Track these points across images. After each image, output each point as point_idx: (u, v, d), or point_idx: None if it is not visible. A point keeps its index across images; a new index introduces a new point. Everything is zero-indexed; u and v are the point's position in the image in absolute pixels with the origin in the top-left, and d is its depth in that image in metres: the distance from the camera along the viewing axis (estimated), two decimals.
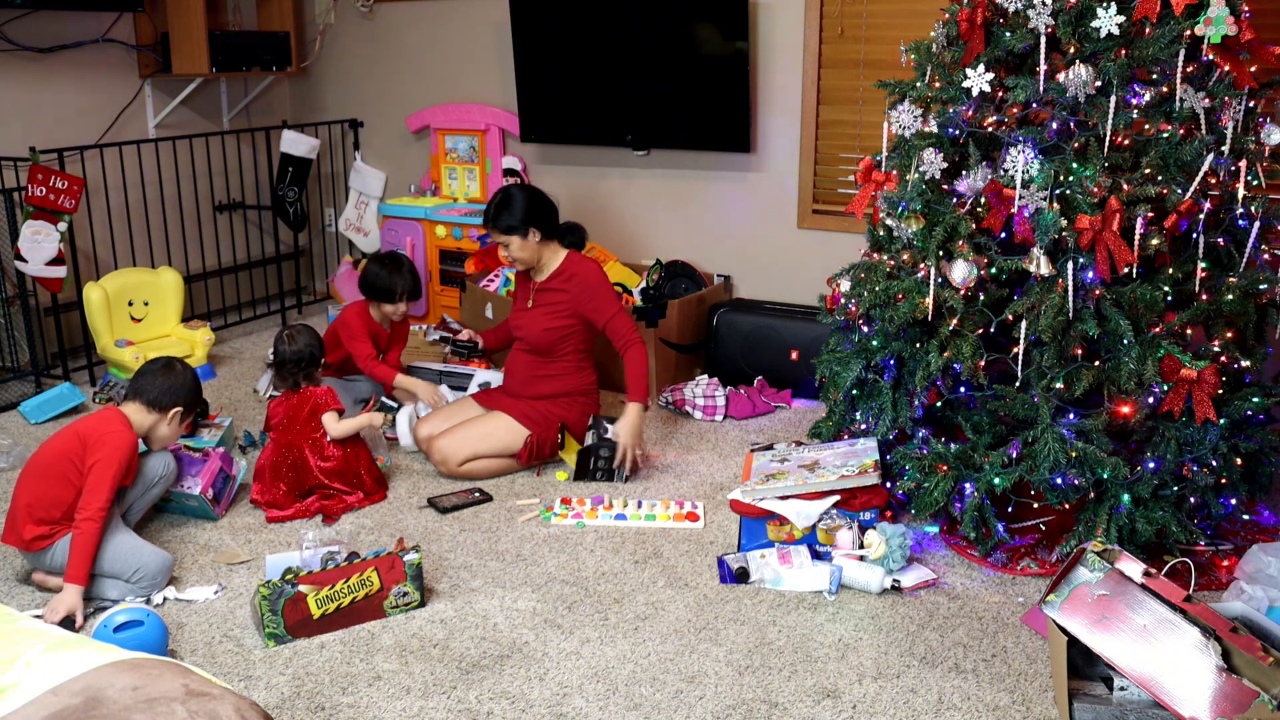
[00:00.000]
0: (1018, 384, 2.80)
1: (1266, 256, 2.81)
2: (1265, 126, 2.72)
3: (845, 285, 3.17)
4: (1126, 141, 2.73)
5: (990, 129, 2.86)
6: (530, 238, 3.45)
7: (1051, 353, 2.72)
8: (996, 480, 2.75)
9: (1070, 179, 2.66)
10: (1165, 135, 2.68)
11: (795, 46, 4.32)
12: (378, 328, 3.88)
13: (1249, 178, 2.71)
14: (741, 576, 2.79)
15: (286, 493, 3.20)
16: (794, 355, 3.82)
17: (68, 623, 2.54)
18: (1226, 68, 2.67)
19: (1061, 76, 2.70)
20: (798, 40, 4.31)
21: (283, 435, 3.25)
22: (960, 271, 2.72)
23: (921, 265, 2.82)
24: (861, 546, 2.81)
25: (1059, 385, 2.72)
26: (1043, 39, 2.74)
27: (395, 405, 3.83)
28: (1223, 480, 2.77)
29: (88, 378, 4.41)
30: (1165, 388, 2.65)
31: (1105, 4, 2.68)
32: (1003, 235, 2.78)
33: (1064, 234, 2.62)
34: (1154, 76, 2.74)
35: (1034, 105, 2.81)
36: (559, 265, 3.52)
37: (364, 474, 3.28)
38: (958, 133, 2.91)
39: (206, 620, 2.63)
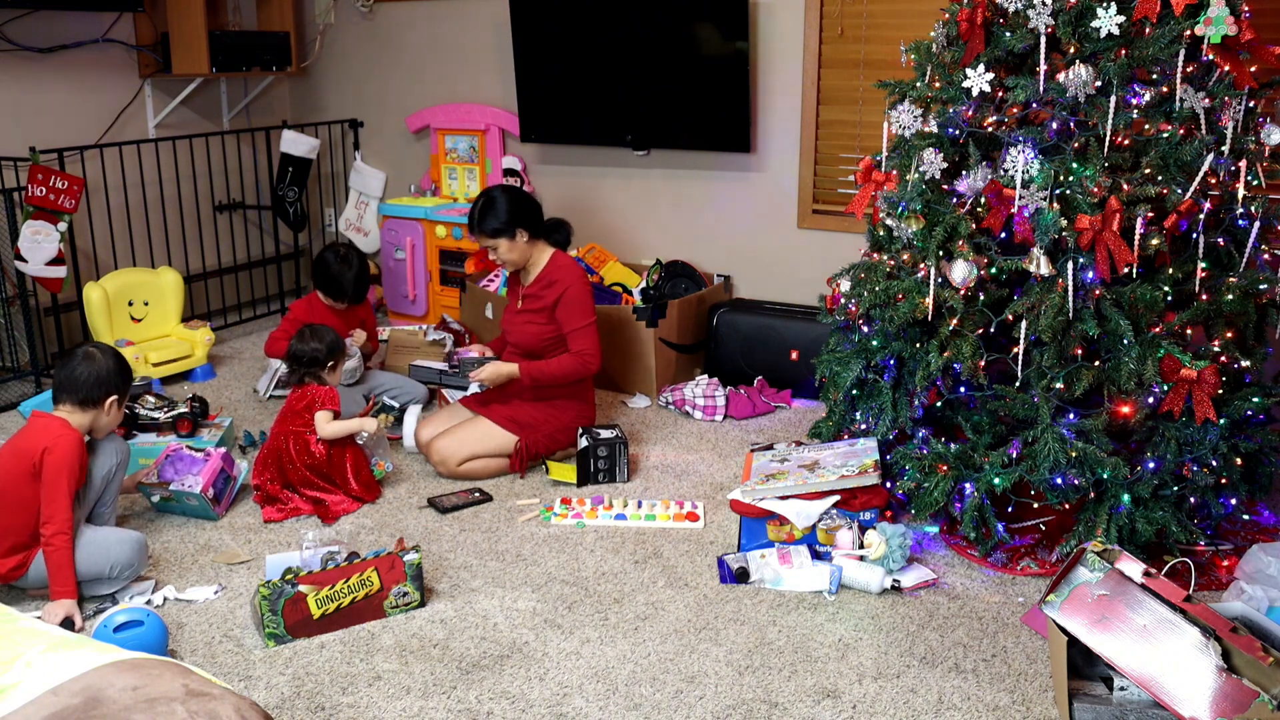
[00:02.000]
0: (1018, 384, 2.80)
1: (1266, 256, 2.81)
2: (1265, 126, 2.72)
3: (845, 285, 3.16)
4: (1126, 141, 2.73)
5: (990, 129, 2.86)
6: (518, 239, 3.44)
7: (1051, 353, 2.72)
8: (996, 480, 2.75)
9: (1070, 179, 2.66)
10: (1165, 135, 2.68)
11: (795, 46, 4.32)
12: (326, 315, 3.93)
13: (1249, 178, 2.71)
14: (741, 576, 2.79)
15: (271, 480, 3.21)
16: (794, 355, 3.82)
17: (67, 623, 2.53)
18: (1226, 68, 2.67)
19: (1061, 76, 2.71)
20: (798, 40, 4.31)
21: (277, 425, 3.29)
22: (960, 271, 2.72)
23: (921, 265, 2.82)
24: (861, 546, 2.81)
25: (1059, 385, 2.72)
26: (1043, 39, 2.74)
27: (395, 406, 3.84)
28: (1223, 480, 2.77)
29: None
30: (1165, 388, 2.65)
31: (1105, 4, 2.68)
32: (1003, 235, 2.78)
33: (1064, 234, 2.62)
34: (1154, 76, 2.74)
35: (1034, 105, 2.81)
36: (544, 268, 3.50)
37: (350, 476, 3.27)
38: (958, 133, 2.91)
39: (206, 620, 2.63)
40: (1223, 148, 2.69)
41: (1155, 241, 2.62)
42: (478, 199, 3.48)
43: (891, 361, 3.04)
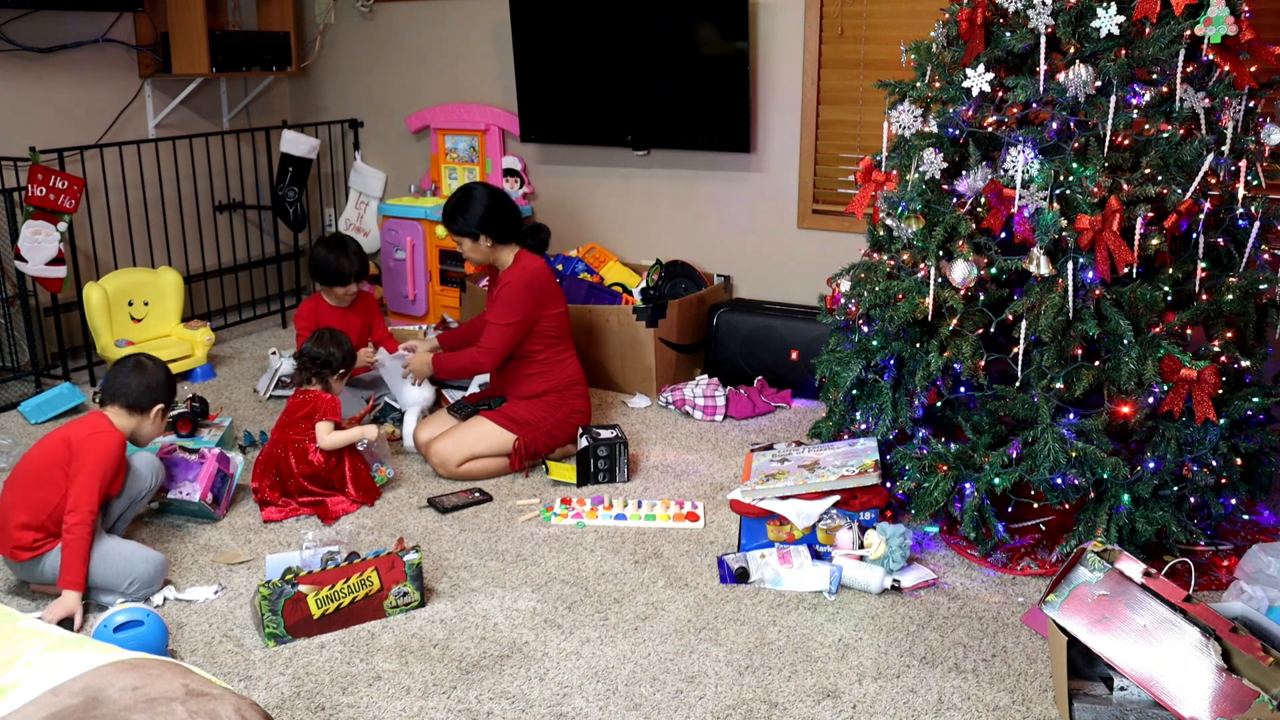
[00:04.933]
0: (1018, 384, 2.80)
1: (1266, 256, 2.81)
2: (1265, 126, 2.72)
3: (845, 285, 3.16)
4: (1126, 141, 2.73)
5: (990, 129, 2.86)
6: (481, 242, 3.46)
7: (1051, 353, 2.72)
8: (996, 480, 2.75)
9: (1070, 179, 2.66)
10: (1165, 135, 2.68)
11: (795, 46, 4.32)
12: (331, 315, 3.92)
13: (1249, 178, 2.71)
14: (741, 576, 2.79)
15: (270, 487, 3.20)
16: (794, 355, 3.82)
17: (67, 623, 2.53)
18: (1226, 68, 2.67)
19: (1061, 76, 2.71)
20: (798, 40, 4.31)
21: (277, 430, 3.28)
22: (960, 271, 2.72)
23: (921, 265, 2.82)
24: (861, 546, 2.81)
25: (1059, 385, 2.72)
26: (1043, 39, 2.74)
27: (396, 406, 3.84)
28: (1223, 480, 2.77)
29: (88, 378, 4.41)
30: (1165, 388, 2.65)
31: (1105, 4, 2.68)
32: (1003, 235, 2.78)
33: (1064, 234, 2.62)
34: (1154, 76, 2.74)
35: (1034, 105, 2.81)
36: (507, 268, 3.53)
37: (349, 482, 3.26)
38: (958, 133, 2.91)
39: (206, 620, 2.63)
40: (1223, 148, 2.69)
41: (1155, 241, 2.62)
42: (456, 192, 3.51)
43: (891, 361, 3.04)
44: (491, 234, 3.45)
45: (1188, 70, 2.69)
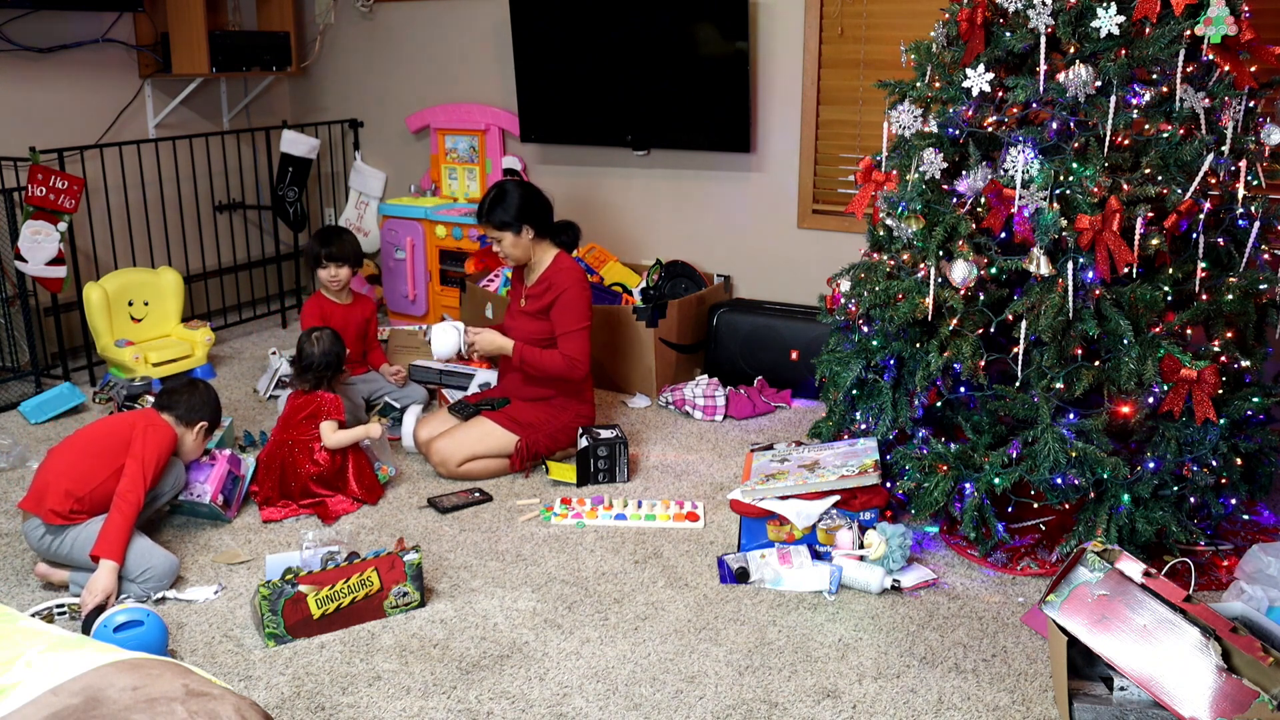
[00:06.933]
0: (1018, 384, 2.80)
1: (1266, 256, 2.81)
2: (1265, 126, 2.72)
3: (845, 285, 3.16)
4: (1126, 141, 2.73)
5: (990, 129, 2.86)
6: (523, 235, 3.44)
7: (1051, 353, 2.72)
8: (996, 480, 2.75)
9: (1070, 179, 2.66)
10: (1165, 135, 2.68)
11: (795, 46, 4.32)
12: (335, 312, 3.89)
13: (1249, 178, 2.71)
14: (741, 576, 2.79)
15: (272, 487, 3.20)
16: (794, 355, 3.82)
17: (95, 612, 2.52)
18: (1226, 68, 2.67)
19: (1061, 76, 2.71)
20: (798, 40, 4.31)
21: (279, 431, 3.27)
22: (960, 271, 2.72)
23: (921, 265, 2.82)
24: (861, 546, 2.81)
25: (1059, 385, 2.72)
26: (1043, 39, 2.74)
27: (397, 407, 3.84)
28: (1223, 480, 2.77)
29: (88, 378, 4.41)
30: (1165, 388, 2.65)
31: (1105, 4, 2.68)
32: (1003, 235, 2.78)
33: (1064, 234, 2.62)
34: (1154, 76, 2.74)
35: (1034, 105, 2.81)
36: (546, 269, 3.50)
37: (353, 481, 3.26)
38: (958, 133, 2.91)
39: (206, 620, 2.63)
40: (1223, 148, 2.69)
41: (1155, 241, 2.62)
42: (491, 189, 3.49)
43: (891, 361, 3.04)
44: (534, 224, 3.45)
45: (1188, 70, 2.69)
